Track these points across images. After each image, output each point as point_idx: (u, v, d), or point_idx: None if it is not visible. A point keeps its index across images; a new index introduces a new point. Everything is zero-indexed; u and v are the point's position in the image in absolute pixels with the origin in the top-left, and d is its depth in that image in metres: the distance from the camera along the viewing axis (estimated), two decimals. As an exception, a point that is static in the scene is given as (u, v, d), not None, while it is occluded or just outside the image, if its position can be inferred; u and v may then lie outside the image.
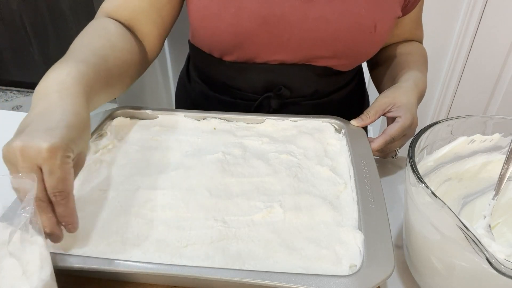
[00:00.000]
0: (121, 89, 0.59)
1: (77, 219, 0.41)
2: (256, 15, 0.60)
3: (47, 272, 0.35)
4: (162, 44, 0.68)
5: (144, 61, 0.64)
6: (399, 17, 0.67)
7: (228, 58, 0.68)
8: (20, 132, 0.40)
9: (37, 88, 0.45)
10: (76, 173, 0.42)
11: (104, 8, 0.63)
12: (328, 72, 0.69)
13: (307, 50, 0.65)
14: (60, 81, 0.44)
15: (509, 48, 1.43)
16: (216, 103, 0.75)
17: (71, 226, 0.40)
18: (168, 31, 0.68)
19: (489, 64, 1.48)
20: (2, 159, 0.39)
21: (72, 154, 0.40)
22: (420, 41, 0.79)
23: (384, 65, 0.76)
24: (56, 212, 0.39)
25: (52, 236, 0.40)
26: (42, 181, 0.38)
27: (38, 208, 0.38)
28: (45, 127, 0.39)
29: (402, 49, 0.75)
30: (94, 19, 0.62)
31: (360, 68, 0.81)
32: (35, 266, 0.34)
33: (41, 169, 0.38)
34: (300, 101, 0.72)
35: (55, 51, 2.42)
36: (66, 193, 0.39)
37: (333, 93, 0.74)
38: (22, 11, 2.30)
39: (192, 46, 0.75)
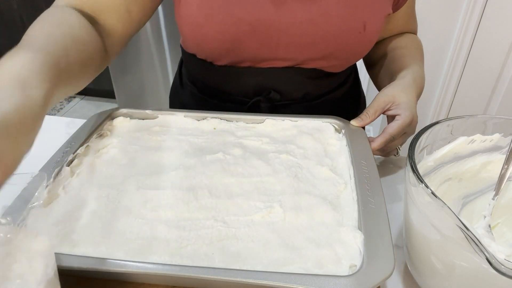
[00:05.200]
0: (80, 86, 0.52)
1: None
2: (243, 22, 0.60)
3: (51, 270, 0.35)
4: (125, 44, 0.64)
5: (104, 58, 0.58)
6: (389, 14, 0.67)
7: (218, 63, 0.68)
8: None
9: None
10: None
11: None
12: (319, 74, 0.69)
13: (296, 54, 0.64)
14: (13, 75, 0.36)
15: (509, 48, 1.44)
16: (207, 107, 0.74)
17: None
18: (135, 31, 0.64)
19: (489, 64, 1.48)
20: None
21: None
22: (414, 32, 0.78)
23: (380, 61, 0.76)
24: None
25: None
26: None
27: None
28: None
29: (397, 43, 0.74)
30: (52, 6, 0.55)
31: (354, 69, 0.81)
32: (39, 263, 0.34)
33: None
34: (291, 104, 0.71)
35: (55, 51, 2.42)
36: None
37: (325, 95, 0.73)
38: (22, 10, 2.30)
39: (183, 50, 0.74)
